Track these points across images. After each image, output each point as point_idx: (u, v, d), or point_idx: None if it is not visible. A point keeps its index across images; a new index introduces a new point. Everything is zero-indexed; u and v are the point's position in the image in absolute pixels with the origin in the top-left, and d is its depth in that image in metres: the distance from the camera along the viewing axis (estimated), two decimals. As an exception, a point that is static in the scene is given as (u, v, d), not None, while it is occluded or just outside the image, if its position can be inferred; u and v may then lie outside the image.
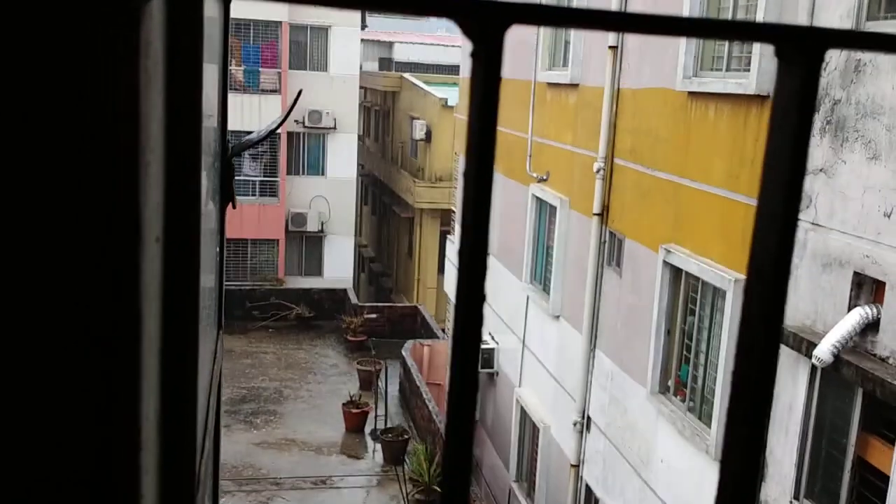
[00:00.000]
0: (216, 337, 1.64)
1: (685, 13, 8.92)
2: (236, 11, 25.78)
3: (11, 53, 0.43)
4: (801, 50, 0.50)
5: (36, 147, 0.43)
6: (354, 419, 18.70)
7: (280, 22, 26.28)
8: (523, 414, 13.92)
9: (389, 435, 17.61)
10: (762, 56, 7.62)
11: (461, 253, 0.50)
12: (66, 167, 0.44)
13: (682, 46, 8.99)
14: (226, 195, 1.62)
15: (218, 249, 1.68)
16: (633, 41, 10.41)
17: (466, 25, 0.48)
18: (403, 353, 20.42)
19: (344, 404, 18.92)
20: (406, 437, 17.63)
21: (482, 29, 0.47)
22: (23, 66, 0.43)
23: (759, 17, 7.67)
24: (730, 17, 8.45)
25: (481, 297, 0.50)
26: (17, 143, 0.46)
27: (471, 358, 0.51)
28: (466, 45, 0.49)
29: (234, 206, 1.75)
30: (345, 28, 27.41)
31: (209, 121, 1.46)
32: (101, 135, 0.44)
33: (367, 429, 18.72)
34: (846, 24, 6.71)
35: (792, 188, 0.51)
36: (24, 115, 0.43)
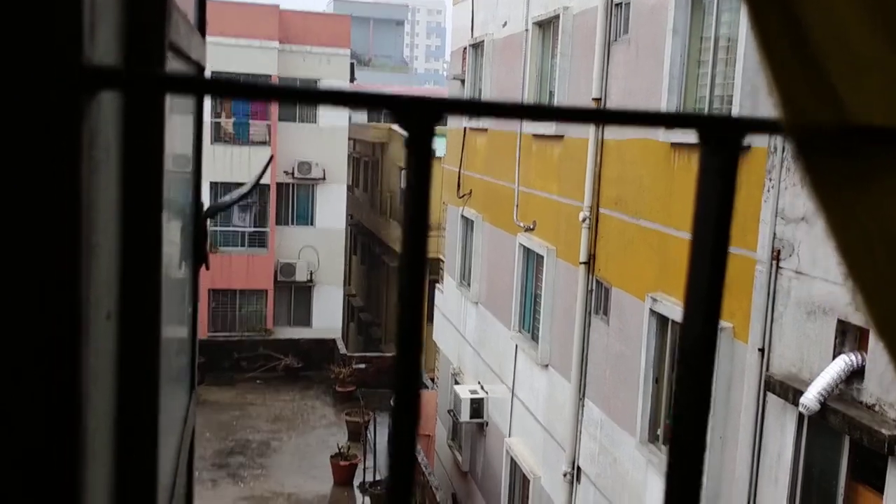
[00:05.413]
0: (189, 398, 1.64)
1: (664, 93, 9.09)
2: (227, 65, 26.04)
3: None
4: (722, 137, 0.53)
5: None
6: (343, 472, 18.47)
7: (270, 76, 26.56)
8: (513, 464, 13.79)
9: (378, 487, 17.38)
10: (742, 107, 7.76)
11: (398, 337, 0.52)
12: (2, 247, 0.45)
13: (664, 97, 9.14)
14: (199, 257, 1.63)
15: (191, 310, 1.69)
16: (616, 93, 10.57)
17: (401, 118, 0.51)
18: (392, 403, 20.23)
19: (332, 457, 18.71)
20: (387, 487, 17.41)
21: (415, 120, 0.50)
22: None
23: (737, 90, 7.80)
24: (707, 93, 8.63)
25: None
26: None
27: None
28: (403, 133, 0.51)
29: (206, 268, 1.77)
30: (334, 81, 27.72)
31: (183, 184, 1.48)
32: (39, 217, 0.46)
33: (356, 481, 18.48)
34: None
35: (715, 268, 0.53)
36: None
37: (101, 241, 0.55)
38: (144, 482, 0.78)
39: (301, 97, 0.49)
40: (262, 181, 26.23)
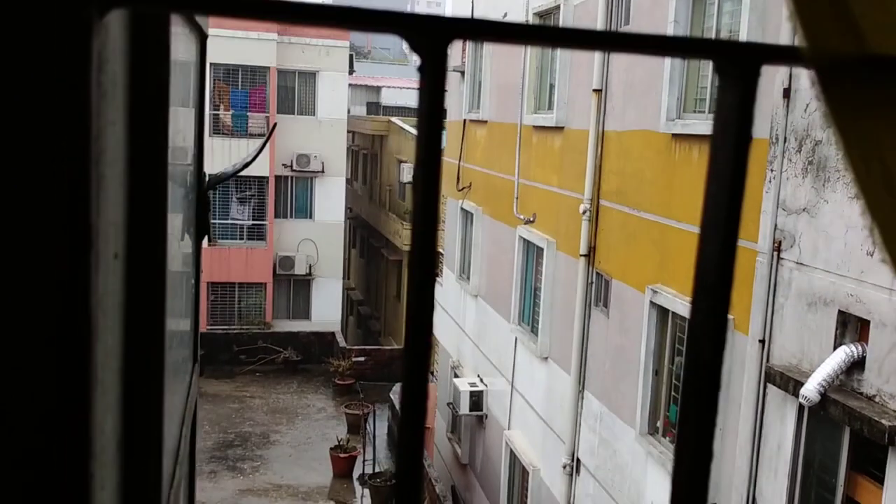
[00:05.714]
0: (191, 369, 1.63)
1: (665, 85, 9.06)
2: (225, 57, 26.00)
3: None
4: (739, 65, 0.52)
5: None
6: (342, 464, 18.49)
7: (268, 67, 26.52)
8: (512, 457, 13.80)
9: (378, 480, 17.40)
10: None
11: (410, 261, 0.51)
12: (9, 169, 0.45)
13: (665, 89, 9.12)
14: (202, 228, 1.63)
15: (194, 281, 1.68)
16: (616, 84, 10.55)
17: (413, 40, 0.50)
18: (392, 396, 20.28)
19: (332, 449, 18.73)
20: (395, 481, 17.43)
21: (427, 42, 0.49)
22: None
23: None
24: (708, 84, 8.60)
25: (430, 310, 0.51)
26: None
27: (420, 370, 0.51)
28: (416, 60, 0.50)
29: (209, 241, 1.76)
30: (332, 73, 27.69)
31: (185, 155, 1.48)
32: (46, 138, 0.45)
33: (356, 474, 18.50)
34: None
35: (732, 201, 0.52)
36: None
37: (106, 173, 0.54)
38: (151, 419, 0.77)
39: (308, 15, 0.48)
40: (261, 175, 26.21)
